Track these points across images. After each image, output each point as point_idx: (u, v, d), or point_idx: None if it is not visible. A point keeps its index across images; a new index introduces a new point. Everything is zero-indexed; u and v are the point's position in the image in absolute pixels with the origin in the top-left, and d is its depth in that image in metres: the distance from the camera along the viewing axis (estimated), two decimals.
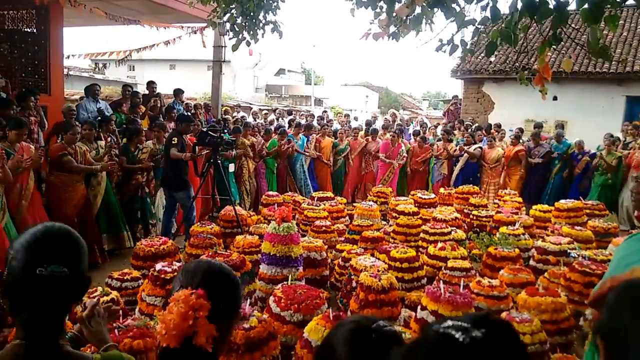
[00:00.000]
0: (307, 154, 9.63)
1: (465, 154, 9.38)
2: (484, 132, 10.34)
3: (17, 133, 4.85)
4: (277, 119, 12.75)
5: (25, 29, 8.55)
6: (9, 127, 4.86)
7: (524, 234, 5.59)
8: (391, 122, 12.56)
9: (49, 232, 1.25)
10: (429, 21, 4.69)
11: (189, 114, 8.51)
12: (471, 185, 7.79)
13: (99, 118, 7.39)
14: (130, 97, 8.59)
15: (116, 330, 2.54)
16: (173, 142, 6.23)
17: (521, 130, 10.39)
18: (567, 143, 9.39)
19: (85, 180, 5.80)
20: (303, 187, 9.40)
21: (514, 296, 4.04)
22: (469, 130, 10.77)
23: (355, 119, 15.51)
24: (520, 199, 7.63)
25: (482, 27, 3.96)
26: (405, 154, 9.79)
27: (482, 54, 13.97)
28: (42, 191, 5.85)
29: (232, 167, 7.35)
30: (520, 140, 9.68)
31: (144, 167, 6.53)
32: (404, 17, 3.72)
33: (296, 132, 9.65)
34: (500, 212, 6.33)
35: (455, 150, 9.60)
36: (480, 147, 9.47)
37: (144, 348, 2.48)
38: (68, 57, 12.26)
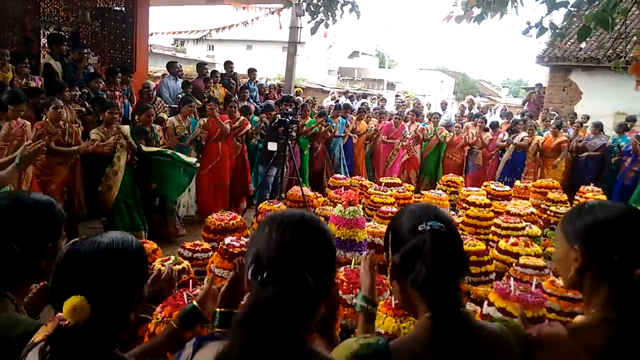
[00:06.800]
0: (351, 135, 9.27)
1: (512, 145, 8.93)
2: (568, 122, 9.71)
3: (13, 109, 4.38)
4: (352, 101, 12.67)
5: (115, 8, 9.04)
6: (6, 101, 4.38)
7: None
8: (467, 109, 12.08)
9: None
10: (515, 3, 4.42)
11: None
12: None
13: (179, 98, 7.68)
14: (209, 76, 8.88)
15: (185, 298, 2.65)
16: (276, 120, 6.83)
17: (598, 123, 9.42)
18: (626, 138, 8.52)
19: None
20: (342, 170, 8.99)
21: None
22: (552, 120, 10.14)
23: (428, 105, 15.00)
24: (604, 197, 7.11)
25: (575, 9, 3.67)
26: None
27: (572, 40, 13.02)
28: None
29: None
30: (562, 130, 8.95)
31: (170, 146, 5.97)
32: None
33: (335, 114, 9.21)
34: None
35: (490, 139, 9.17)
36: (526, 137, 8.99)
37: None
38: (152, 34, 12.84)
